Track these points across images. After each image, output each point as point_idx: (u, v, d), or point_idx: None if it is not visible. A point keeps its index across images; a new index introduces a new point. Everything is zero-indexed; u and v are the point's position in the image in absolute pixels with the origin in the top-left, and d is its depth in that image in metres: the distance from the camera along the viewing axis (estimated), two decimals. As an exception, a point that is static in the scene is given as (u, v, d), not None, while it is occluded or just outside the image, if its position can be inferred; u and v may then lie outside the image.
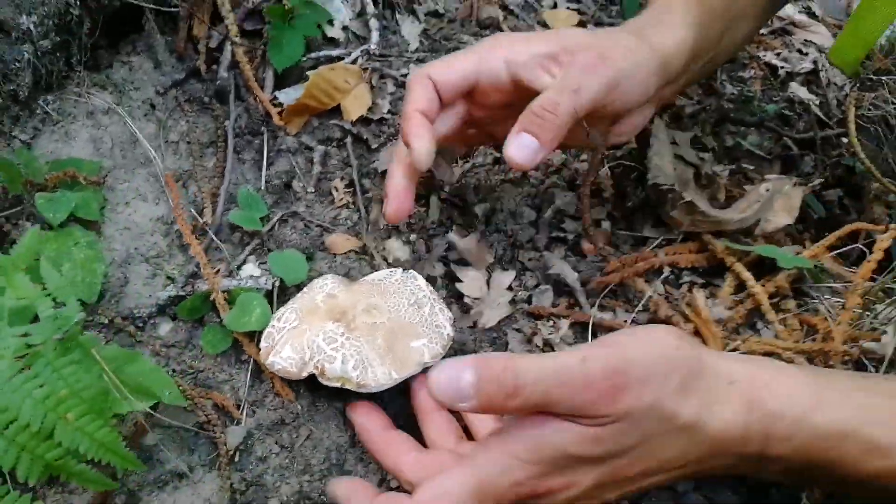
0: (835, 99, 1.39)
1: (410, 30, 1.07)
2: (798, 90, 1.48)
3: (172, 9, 0.89)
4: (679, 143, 0.89)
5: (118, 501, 0.63)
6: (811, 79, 1.53)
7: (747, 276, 0.80)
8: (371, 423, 0.67)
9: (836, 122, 1.49)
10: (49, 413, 0.44)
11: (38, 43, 0.74)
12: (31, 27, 0.74)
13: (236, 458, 0.68)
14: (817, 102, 1.41)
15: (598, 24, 1.23)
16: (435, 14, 1.13)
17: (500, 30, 1.12)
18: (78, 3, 0.78)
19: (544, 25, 1.19)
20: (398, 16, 1.08)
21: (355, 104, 0.92)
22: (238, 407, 0.70)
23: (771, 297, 0.80)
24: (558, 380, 0.48)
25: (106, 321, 0.71)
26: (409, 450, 0.62)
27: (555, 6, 1.23)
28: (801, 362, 0.71)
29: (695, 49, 0.76)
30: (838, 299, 0.82)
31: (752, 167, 0.93)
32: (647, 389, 0.49)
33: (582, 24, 1.22)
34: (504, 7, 1.17)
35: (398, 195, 0.73)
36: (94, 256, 0.70)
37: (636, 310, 0.77)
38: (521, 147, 0.68)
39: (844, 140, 1.36)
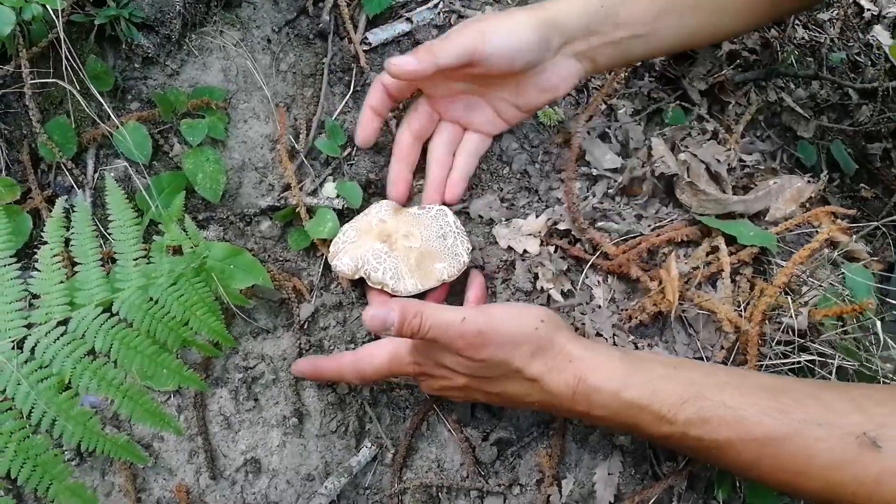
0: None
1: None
2: (880, 34, 1.49)
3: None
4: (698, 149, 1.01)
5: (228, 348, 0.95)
6: (897, 24, 1.50)
7: (722, 246, 0.98)
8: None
9: (911, 72, 1.50)
10: (186, 310, 0.73)
11: (186, -3, 0.97)
12: (181, -17, 0.96)
13: (305, 326, 0.97)
14: (897, 49, 1.42)
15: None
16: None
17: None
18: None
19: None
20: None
21: (430, 47, 1.10)
22: (310, 290, 0.99)
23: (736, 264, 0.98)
24: (444, 330, 0.74)
25: (224, 217, 0.98)
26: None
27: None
28: (732, 317, 0.91)
29: (593, 13, 0.89)
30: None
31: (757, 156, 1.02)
32: (501, 350, 0.74)
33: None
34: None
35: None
36: (219, 169, 0.97)
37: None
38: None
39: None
